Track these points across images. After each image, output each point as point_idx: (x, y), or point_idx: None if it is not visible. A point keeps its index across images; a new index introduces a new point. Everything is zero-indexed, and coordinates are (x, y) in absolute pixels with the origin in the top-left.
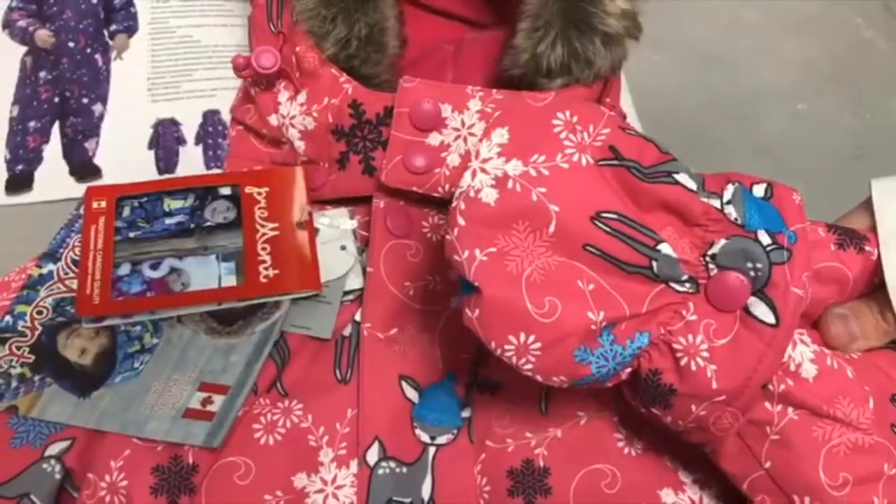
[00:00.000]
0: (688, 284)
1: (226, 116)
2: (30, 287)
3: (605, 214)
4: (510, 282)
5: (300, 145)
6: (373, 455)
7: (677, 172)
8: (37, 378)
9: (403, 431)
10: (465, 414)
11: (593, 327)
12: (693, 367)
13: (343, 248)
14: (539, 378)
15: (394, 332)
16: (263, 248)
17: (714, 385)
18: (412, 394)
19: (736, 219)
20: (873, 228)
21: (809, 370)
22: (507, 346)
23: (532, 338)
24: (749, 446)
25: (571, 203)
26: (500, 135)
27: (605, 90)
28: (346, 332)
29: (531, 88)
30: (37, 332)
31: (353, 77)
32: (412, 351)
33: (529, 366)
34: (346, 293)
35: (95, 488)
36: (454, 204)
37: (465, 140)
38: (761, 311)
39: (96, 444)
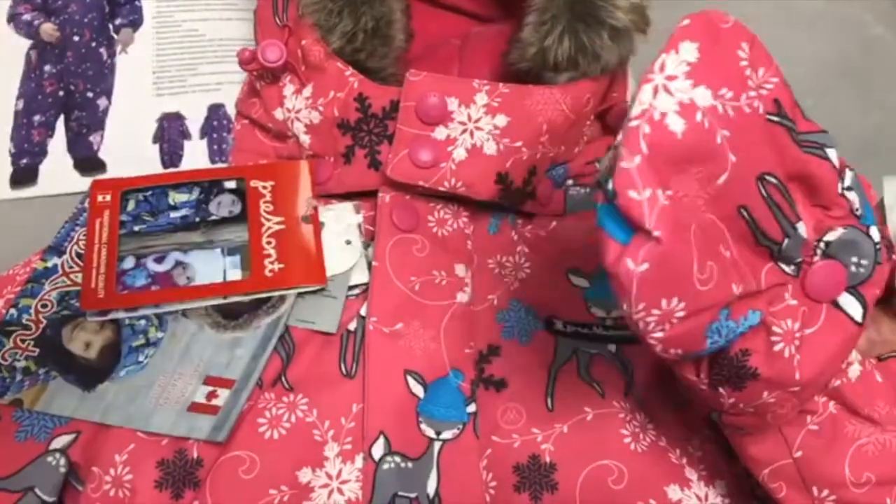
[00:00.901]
0: (793, 267)
1: (231, 110)
2: (34, 280)
3: (767, 177)
4: (685, 236)
5: (305, 139)
6: (378, 450)
7: (829, 147)
8: (41, 371)
9: (409, 426)
10: (471, 409)
11: (730, 300)
12: (785, 354)
13: (348, 242)
14: (658, 348)
15: (399, 327)
16: (269, 242)
17: (797, 375)
18: (417, 389)
19: (857, 209)
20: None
21: (856, 371)
22: (653, 311)
23: (682, 304)
24: (785, 434)
25: (748, 156)
26: (689, 50)
27: (613, 84)
28: (352, 326)
29: (538, 82)
30: (41, 326)
31: (358, 71)
32: (417, 346)
33: (661, 334)
34: (352, 287)
35: (100, 482)
36: (635, 124)
37: (471, 134)
38: (852, 307)
39: (101, 438)
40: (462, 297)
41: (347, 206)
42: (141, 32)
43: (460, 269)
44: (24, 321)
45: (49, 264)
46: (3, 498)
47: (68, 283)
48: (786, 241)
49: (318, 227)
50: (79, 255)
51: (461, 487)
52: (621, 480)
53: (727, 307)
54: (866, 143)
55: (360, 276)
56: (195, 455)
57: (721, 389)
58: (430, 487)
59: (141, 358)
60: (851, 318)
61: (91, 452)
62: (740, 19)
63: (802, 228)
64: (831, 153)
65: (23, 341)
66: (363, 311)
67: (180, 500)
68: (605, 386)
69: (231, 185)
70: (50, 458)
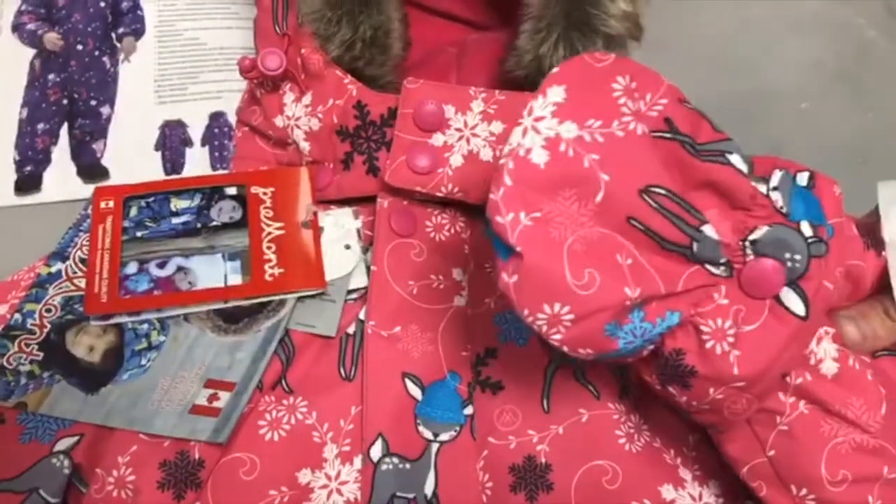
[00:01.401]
0: (723, 268)
1: (232, 118)
2: (39, 285)
3: (654, 189)
4: (552, 249)
5: (305, 146)
6: (376, 451)
7: (731, 153)
8: (45, 375)
9: (407, 428)
10: (468, 412)
11: (628, 303)
12: (718, 351)
13: (347, 247)
14: (566, 349)
15: (397, 331)
16: (269, 247)
17: (735, 371)
18: (415, 391)
19: (781, 207)
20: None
21: (830, 368)
22: (539, 315)
23: (566, 308)
24: (756, 433)
25: (623, 173)
26: (557, 93)
27: None
28: (351, 330)
29: (534, 89)
30: (45, 330)
31: (357, 79)
32: (415, 349)
33: (559, 336)
34: (351, 292)
35: (103, 483)
36: (502, 162)
37: (467, 140)
38: (793, 302)
39: (104, 440)
40: (459, 301)
41: (346, 212)
42: (143, 41)
43: (457, 274)
44: (28, 325)
45: (53, 269)
46: (8, 499)
47: (72, 288)
48: (695, 244)
49: (317, 232)
50: (82, 261)
51: (458, 488)
52: (616, 480)
53: (640, 309)
54: (860, 146)
55: (359, 281)
56: (197, 456)
57: (671, 388)
58: (428, 488)
59: (143, 361)
60: (793, 313)
61: (94, 454)
62: (737, 24)
63: (710, 230)
64: (734, 158)
65: (27, 345)
66: (362, 315)
67: (182, 500)
68: (601, 388)
69: (232, 191)
70: (54, 460)
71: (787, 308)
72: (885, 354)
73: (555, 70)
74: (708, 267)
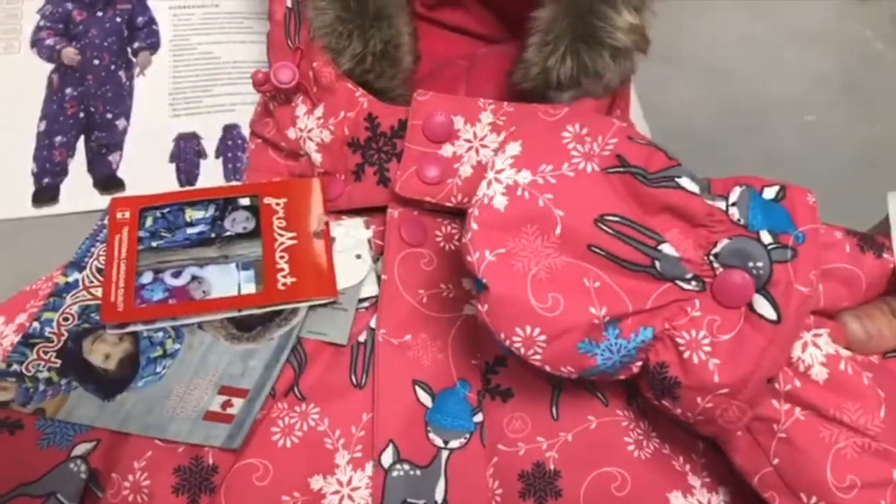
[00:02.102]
0: (694, 283)
1: (245, 130)
2: (56, 295)
3: (608, 217)
4: (515, 279)
5: (317, 157)
6: (387, 458)
7: (679, 177)
8: (63, 382)
9: (417, 435)
10: (477, 419)
11: (596, 321)
12: (695, 361)
13: (358, 256)
14: (548, 368)
15: (408, 339)
16: (282, 257)
17: (716, 378)
18: (426, 398)
19: (739, 219)
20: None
21: (820, 373)
22: (514, 338)
23: (537, 330)
24: (758, 442)
25: (575, 207)
26: (514, 148)
27: (615, 102)
28: (362, 338)
29: (542, 101)
30: (63, 338)
31: (368, 91)
32: (425, 357)
33: (537, 356)
34: (362, 300)
35: (119, 487)
36: (469, 210)
37: (476, 151)
38: (763, 307)
39: (120, 446)
40: (469, 310)
41: (357, 222)
42: (158, 56)
43: (467, 283)
44: (46, 334)
45: (70, 279)
46: (27, 502)
47: (89, 297)
48: (657, 262)
49: (329, 242)
50: (99, 271)
51: (468, 495)
52: (624, 487)
53: (615, 327)
54: (867, 156)
55: (370, 290)
56: (210, 462)
57: (665, 402)
58: (438, 495)
59: (158, 369)
60: (766, 319)
61: (111, 459)
62: (743, 36)
63: (668, 248)
64: (683, 181)
65: (45, 353)
66: (373, 323)
67: None
68: (609, 395)
69: (245, 202)
70: (71, 465)
71: (759, 315)
72: (894, 356)
73: (512, 128)
74: (679, 283)
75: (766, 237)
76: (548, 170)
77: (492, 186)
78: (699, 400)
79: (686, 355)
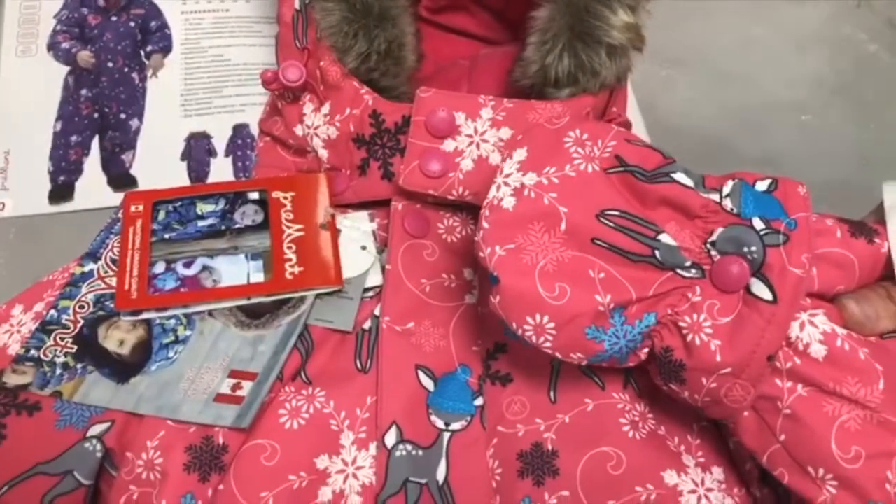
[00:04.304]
0: (693, 270)
1: (254, 130)
2: (72, 284)
3: (608, 212)
4: (525, 272)
5: (324, 153)
6: (390, 438)
7: (674, 172)
8: (79, 366)
9: (419, 417)
10: (478, 402)
11: (601, 308)
12: (698, 342)
13: (364, 248)
14: (559, 356)
15: (411, 326)
16: (289, 248)
17: (718, 358)
18: (428, 382)
19: (732, 209)
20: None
21: (819, 350)
22: (526, 327)
23: (546, 318)
24: (765, 420)
25: (578, 204)
26: (521, 153)
27: (612, 100)
28: (367, 325)
29: (541, 98)
30: (79, 325)
31: (373, 89)
32: (428, 343)
33: (548, 343)
34: (367, 290)
35: (133, 465)
36: (481, 211)
37: (477, 146)
38: (760, 289)
39: (134, 426)
40: (470, 299)
41: (362, 215)
42: (170, 58)
43: (468, 273)
44: (63, 321)
45: (86, 269)
46: (45, 480)
47: (103, 286)
48: (656, 252)
49: (335, 233)
50: (113, 261)
51: (469, 474)
52: (620, 466)
53: (620, 314)
54: (862, 155)
55: (375, 279)
56: (221, 441)
57: (672, 386)
58: (440, 474)
59: (171, 354)
60: (762, 299)
61: (125, 439)
62: (742, 40)
63: (667, 238)
64: (677, 176)
65: (62, 339)
66: (377, 312)
67: (207, 482)
68: (606, 379)
69: (254, 195)
70: (87, 444)
71: (757, 296)
72: (892, 336)
73: (519, 137)
74: (679, 272)
75: (758, 224)
76: (552, 171)
77: (501, 189)
78: (704, 381)
79: (689, 338)
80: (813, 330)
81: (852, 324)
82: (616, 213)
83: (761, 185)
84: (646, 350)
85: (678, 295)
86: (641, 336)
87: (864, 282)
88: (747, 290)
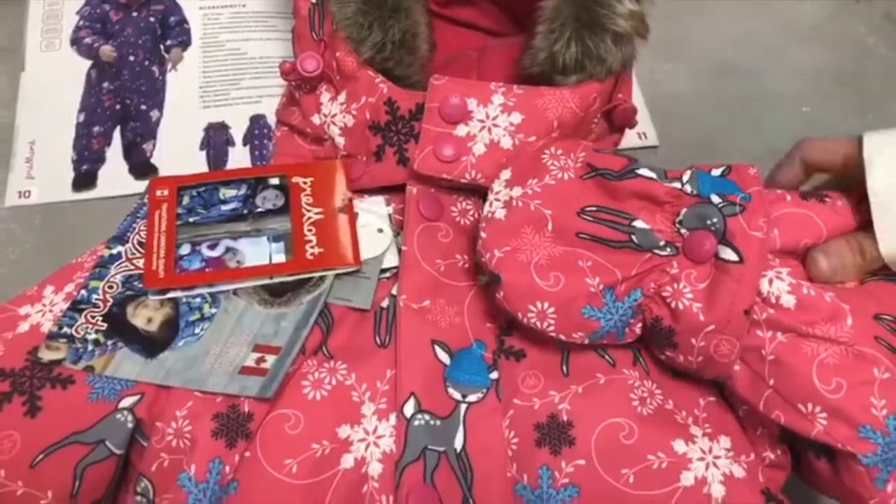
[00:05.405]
0: (668, 249)
1: (271, 120)
2: (101, 266)
3: (587, 208)
4: (522, 268)
5: (340, 141)
6: (409, 408)
7: (638, 168)
8: (109, 343)
9: (437, 389)
10: (493, 376)
11: (592, 290)
12: (681, 307)
13: (380, 230)
14: (562, 337)
15: (427, 304)
16: (309, 230)
17: (701, 317)
18: (444, 357)
19: (692, 192)
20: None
21: (788, 300)
22: (529, 315)
23: (546, 304)
24: (753, 370)
25: (560, 206)
26: (506, 174)
27: (617, 86)
28: (385, 304)
29: (549, 85)
30: (108, 304)
31: (387, 78)
32: (443, 320)
33: (551, 327)
34: (384, 271)
35: (163, 434)
36: (479, 225)
37: (489, 130)
38: (727, 253)
39: (163, 398)
40: (482, 280)
41: (379, 199)
42: (189, 52)
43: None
44: (93, 300)
45: (114, 251)
46: (79, 448)
47: (131, 268)
48: (632, 237)
49: (352, 216)
50: (140, 244)
51: (486, 443)
52: (632, 436)
53: (611, 294)
54: None
55: (392, 261)
56: (246, 410)
57: (668, 353)
58: (458, 443)
59: (197, 331)
60: (730, 261)
61: (155, 410)
62: (743, 33)
63: (640, 223)
64: (641, 171)
65: (92, 317)
66: (394, 291)
67: (234, 448)
68: (616, 357)
69: (275, 181)
70: (119, 416)
71: (725, 260)
72: (871, 280)
73: (503, 160)
74: (655, 252)
75: (716, 199)
76: (534, 182)
77: (493, 204)
78: (693, 341)
79: (673, 305)
80: (780, 283)
81: (817, 274)
82: (594, 208)
83: (716, 172)
84: (639, 325)
85: (658, 271)
86: (632, 310)
87: (834, 233)
88: (716, 256)
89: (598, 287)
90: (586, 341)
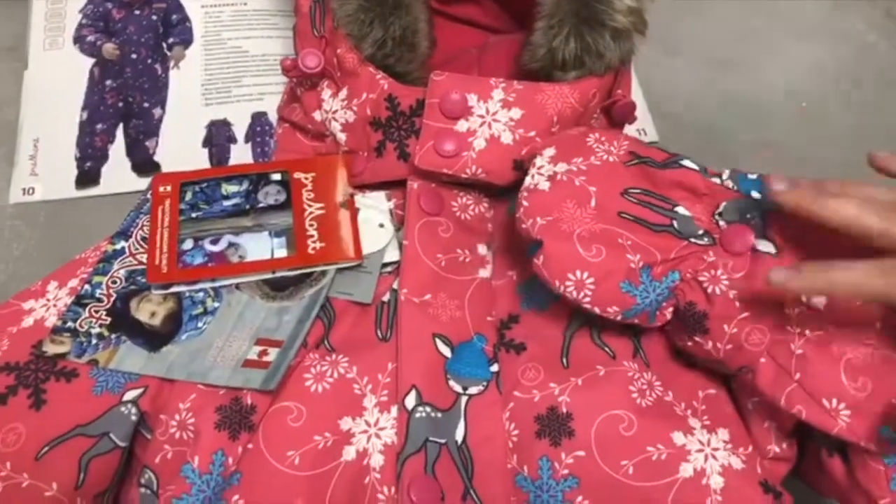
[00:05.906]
0: (706, 239)
1: (272, 117)
2: (105, 261)
3: (631, 190)
4: (564, 236)
5: (342, 137)
6: (410, 401)
7: (682, 160)
8: (113, 336)
9: (438, 382)
10: (494, 369)
11: (633, 266)
12: (718, 293)
13: (381, 225)
14: (596, 309)
15: (427, 298)
16: (311, 225)
17: (737, 304)
18: (445, 350)
19: (733, 187)
20: None
21: (819, 301)
22: (567, 283)
23: (586, 274)
24: (780, 364)
25: (604, 184)
26: (550, 151)
27: (617, 82)
28: (386, 298)
29: (547, 80)
30: (112, 299)
31: (388, 75)
32: (444, 314)
33: (587, 298)
34: (385, 265)
35: (167, 426)
36: (519, 197)
37: (489, 126)
38: (766, 246)
39: (167, 390)
40: (484, 273)
41: (380, 195)
42: (191, 50)
43: (482, 249)
44: (97, 295)
45: (117, 247)
46: (83, 441)
47: (135, 263)
48: (673, 222)
49: (354, 211)
50: (143, 239)
51: (486, 434)
52: (631, 427)
53: (648, 273)
54: (858, 140)
55: (393, 255)
56: (249, 402)
57: (697, 338)
58: (459, 434)
59: (200, 324)
60: (767, 254)
61: (158, 402)
62: (744, 29)
63: (682, 210)
64: (685, 162)
65: (96, 312)
66: (395, 285)
67: (236, 440)
68: (616, 349)
69: (277, 177)
70: (123, 409)
71: (762, 252)
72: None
73: (546, 144)
74: (694, 240)
75: (756, 195)
76: (579, 161)
77: (535, 177)
78: (726, 328)
79: (709, 290)
80: None
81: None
82: (638, 190)
83: (752, 175)
84: (670, 309)
85: (695, 258)
86: (668, 291)
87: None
88: (754, 249)
89: (637, 263)
90: (619, 317)
